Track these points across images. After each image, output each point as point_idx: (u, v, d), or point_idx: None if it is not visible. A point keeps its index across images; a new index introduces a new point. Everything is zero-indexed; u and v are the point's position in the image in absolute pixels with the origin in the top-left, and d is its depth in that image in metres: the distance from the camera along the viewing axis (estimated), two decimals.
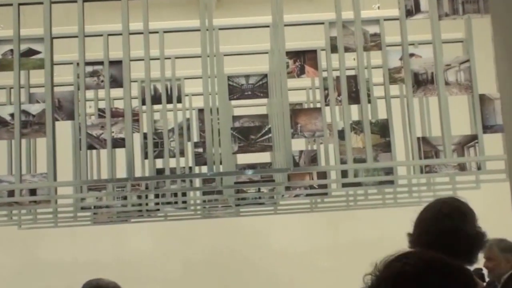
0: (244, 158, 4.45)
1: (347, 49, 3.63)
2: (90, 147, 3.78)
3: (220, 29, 4.00)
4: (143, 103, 3.89)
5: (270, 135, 3.68)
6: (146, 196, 4.44)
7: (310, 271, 7.33)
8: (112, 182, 3.75)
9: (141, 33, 3.52)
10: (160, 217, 5.49)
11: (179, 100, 4.47)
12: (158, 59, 3.92)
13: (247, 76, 4.09)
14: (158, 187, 4.20)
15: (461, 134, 3.55)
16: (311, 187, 4.34)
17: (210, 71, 3.46)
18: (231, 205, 4.86)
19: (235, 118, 4.31)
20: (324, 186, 4.40)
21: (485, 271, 4.41)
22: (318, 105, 4.35)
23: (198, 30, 3.48)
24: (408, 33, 3.59)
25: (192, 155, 4.66)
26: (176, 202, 4.70)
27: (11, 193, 3.80)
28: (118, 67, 3.68)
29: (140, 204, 4.66)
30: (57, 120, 3.77)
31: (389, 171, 4.02)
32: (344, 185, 4.18)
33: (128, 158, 3.30)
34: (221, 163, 3.82)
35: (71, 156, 4.20)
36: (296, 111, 3.74)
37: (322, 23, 3.85)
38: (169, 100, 4.35)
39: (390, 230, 7.33)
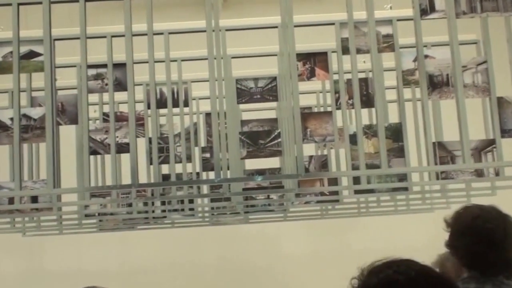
0: (253, 164, 4.33)
1: (358, 51, 3.51)
2: (94, 152, 3.68)
3: (227, 30, 3.89)
4: (149, 107, 3.78)
5: (279, 139, 3.58)
6: (153, 203, 4.33)
7: (320, 278, 7.21)
8: (115, 189, 3.63)
9: (146, 34, 3.41)
10: (167, 224, 5.39)
11: (186, 104, 4.37)
12: (163, 61, 3.83)
13: (256, 79, 4.00)
14: (164, 194, 4.10)
15: (476, 138, 3.42)
16: (322, 193, 4.24)
17: (217, 74, 3.33)
18: (239, 211, 4.76)
19: (244, 122, 4.22)
20: (335, 193, 4.30)
21: None
22: (329, 109, 4.25)
23: (205, 31, 3.37)
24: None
25: (199, 160, 4.57)
26: (183, 209, 4.59)
27: (11, 200, 3.70)
28: (122, 70, 3.56)
29: (146, 212, 4.55)
30: (60, 124, 3.67)
31: (403, 177, 3.92)
32: (357, 192, 4.08)
33: (132, 164, 3.18)
34: (228, 169, 3.72)
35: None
36: (306, 115, 3.61)
37: (333, 24, 3.73)
38: (176, 104, 4.25)
39: (402, 236, 7.24)
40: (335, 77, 3.74)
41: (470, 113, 3.61)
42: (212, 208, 4.78)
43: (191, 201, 4.48)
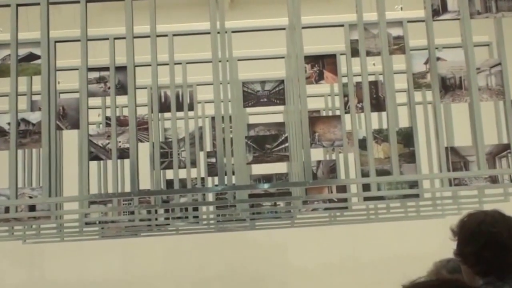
0: (259, 168, 4.23)
1: (368, 53, 3.40)
2: (96, 157, 3.58)
3: (233, 31, 3.80)
4: (153, 110, 3.67)
5: (287, 144, 3.48)
6: (156, 211, 4.22)
7: (329, 287, 7.10)
8: (114, 197, 3.52)
9: (149, 36, 3.30)
10: (171, 231, 5.28)
11: (191, 108, 4.27)
12: (167, 64, 3.73)
13: (262, 82, 3.90)
14: (168, 200, 3.99)
15: (487, 143, 3.30)
16: (330, 200, 4.13)
17: (222, 76, 3.23)
18: (245, 218, 4.65)
19: (250, 126, 4.12)
20: (344, 199, 4.18)
21: None
22: (337, 113, 4.16)
23: (209, 33, 3.26)
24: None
25: (204, 165, 4.47)
26: (187, 217, 4.48)
27: (8, 208, 3.58)
28: (125, 73, 3.44)
29: (149, 219, 4.43)
30: (61, 129, 3.57)
31: (413, 183, 3.81)
32: (366, 199, 3.97)
33: (132, 170, 3.06)
34: (233, 174, 3.61)
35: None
36: (314, 118, 3.51)
37: (342, 25, 3.63)
38: (180, 108, 4.15)
39: (411, 243, 7.13)
40: (344, 80, 3.64)
41: (481, 116, 3.50)
42: (218, 215, 4.67)
43: (195, 209, 4.37)
